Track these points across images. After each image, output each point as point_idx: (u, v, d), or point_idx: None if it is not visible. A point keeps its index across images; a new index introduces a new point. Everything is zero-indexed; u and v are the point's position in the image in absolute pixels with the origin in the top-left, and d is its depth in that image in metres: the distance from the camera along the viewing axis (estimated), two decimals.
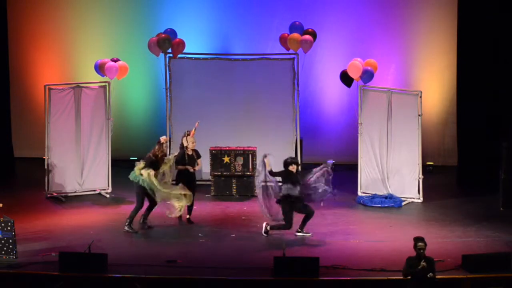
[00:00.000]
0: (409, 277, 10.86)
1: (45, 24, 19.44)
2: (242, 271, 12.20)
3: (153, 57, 17.35)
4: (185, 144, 14.47)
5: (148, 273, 11.97)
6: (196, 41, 18.38)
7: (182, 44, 17.12)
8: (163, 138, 14.33)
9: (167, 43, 16.91)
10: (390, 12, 19.08)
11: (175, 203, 14.02)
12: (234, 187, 16.82)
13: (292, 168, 13.66)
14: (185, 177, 14.39)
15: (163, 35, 16.93)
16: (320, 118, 19.42)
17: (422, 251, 10.76)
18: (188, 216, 14.60)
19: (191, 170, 14.38)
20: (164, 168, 14.11)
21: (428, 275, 10.69)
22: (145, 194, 14.10)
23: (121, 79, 16.80)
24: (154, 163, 14.05)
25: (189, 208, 14.59)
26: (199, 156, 14.59)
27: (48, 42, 19.48)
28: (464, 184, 17.51)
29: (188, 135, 14.47)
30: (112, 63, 16.45)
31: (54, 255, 12.44)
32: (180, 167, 14.37)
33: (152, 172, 13.91)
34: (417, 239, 10.86)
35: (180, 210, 14.07)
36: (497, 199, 15.98)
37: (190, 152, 14.44)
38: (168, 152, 17.51)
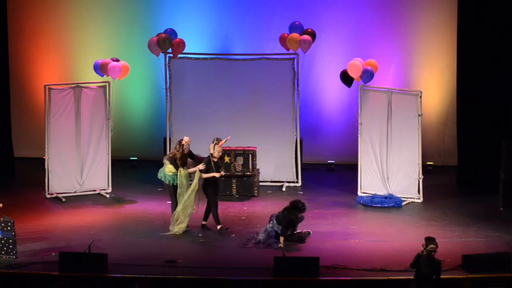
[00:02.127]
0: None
1: (45, 24, 19.43)
2: (242, 271, 12.20)
3: (153, 57, 17.35)
4: (211, 151, 14.26)
5: (148, 273, 11.97)
6: (196, 41, 18.38)
7: (182, 44, 17.11)
8: (185, 140, 14.16)
9: (167, 43, 16.91)
10: (390, 12, 19.08)
11: (177, 224, 14.06)
12: (234, 187, 16.81)
13: (300, 214, 13.60)
14: (212, 185, 14.23)
15: (163, 35, 16.93)
16: (320, 118, 19.42)
17: (433, 253, 10.73)
18: (204, 223, 14.45)
19: (218, 176, 14.18)
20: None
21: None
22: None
23: (122, 79, 16.79)
24: (174, 163, 14.12)
25: (206, 215, 14.43)
26: (223, 164, 14.53)
27: (48, 42, 19.47)
28: (464, 184, 17.51)
29: (217, 144, 14.27)
30: (115, 63, 16.44)
31: (54, 255, 12.45)
32: (205, 175, 14.11)
33: (185, 170, 14.08)
34: (429, 240, 10.79)
35: (178, 230, 14.08)
36: (497, 199, 15.98)
37: (215, 160, 14.26)
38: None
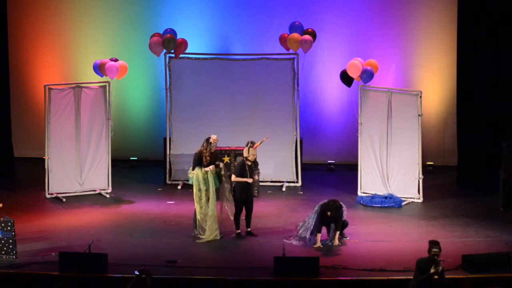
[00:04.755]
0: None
1: (45, 24, 19.44)
2: (242, 271, 12.20)
3: (153, 57, 17.35)
4: (245, 155, 13.91)
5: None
6: (196, 41, 18.37)
7: (184, 43, 17.13)
8: (212, 138, 13.76)
9: (172, 43, 16.92)
10: (390, 12, 19.08)
11: (207, 231, 13.72)
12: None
13: (329, 213, 13.46)
14: (245, 190, 13.86)
15: (168, 35, 16.91)
16: (320, 118, 19.42)
17: (436, 257, 10.71)
18: (248, 229, 14.07)
19: (250, 181, 13.80)
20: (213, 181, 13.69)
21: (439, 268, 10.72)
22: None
23: (121, 79, 16.79)
24: (199, 160, 13.68)
25: (248, 221, 14.04)
26: (257, 167, 14.07)
27: (48, 42, 19.47)
28: (464, 184, 17.52)
29: (251, 146, 13.89)
30: (113, 62, 16.45)
31: (54, 255, 12.45)
32: (238, 179, 13.78)
33: (199, 170, 13.64)
34: (433, 244, 10.77)
35: (210, 235, 13.72)
36: (497, 199, 15.98)
37: (249, 163, 13.88)
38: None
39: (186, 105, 17.73)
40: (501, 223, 14.79)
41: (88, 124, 16.63)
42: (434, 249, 10.72)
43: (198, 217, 13.74)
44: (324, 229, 13.63)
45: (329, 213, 13.34)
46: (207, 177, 13.69)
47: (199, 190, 13.70)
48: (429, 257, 10.76)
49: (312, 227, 13.43)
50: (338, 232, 13.48)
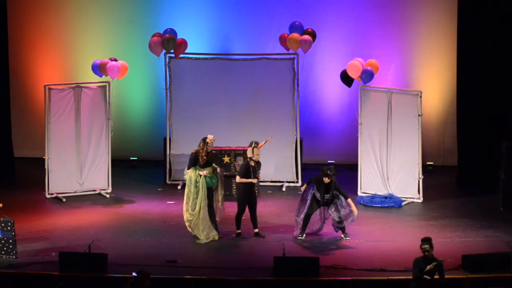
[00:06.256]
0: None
1: (45, 24, 19.43)
2: (242, 271, 12.21)
3: (153, 57, 17.35)
4: (249, 155, 13.84)
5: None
6: (196, 41, 18.37)
7: (184, 44, 17.13)
8: (209, 138, 13.66)
9: (171, 43, 16.92)
10: (390, 12, 19.08)
11: (201, 233, 13.71)
12: (234, 187, 16.77)
13: (325, 180, 13.66)
14: (248, 191, 13.83)
15: (167, 35, 16.91)
16: (320, 118, 19.42)
17: (426, 253, 10.75)
18: (256, 230, 14.02)
19: (255, 181, 13.79)
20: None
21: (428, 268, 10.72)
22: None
23: (121, 79, 16.80)
24: (195, 160, 13.66)
25: (254, 222, 14.00)
26: (260, 167, 13.98)
27: (48, 42, 19.47)
28: (464, 184, 17.51)
29: (255, 147, 13.83)
30: (114, 62, 16.45)
31: (54, 255, 12.45)
32: (243, 179, 13.73)
33: (193, 172, 13.61)
34: (423, 241, 10.82)
35: (207, 239, 13.72)
36: (497, 199, 15.98)
37: (253, 164, 13.83)
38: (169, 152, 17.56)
39: (186, 105, 17.74)
40: (501, 223, 14.80)
41: (88, 124, 16.63)
42: (424, 246, 10.80)
43: (184, 216, 13.71)
44: (329, 223, 13.94)
45: (325, 179, 13.57)
46: (199, 180, 13.65)
47: (190, 191, 13.69)
48: (423, 256, 10.80)
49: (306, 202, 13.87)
50: (350, 200, 13.74)
